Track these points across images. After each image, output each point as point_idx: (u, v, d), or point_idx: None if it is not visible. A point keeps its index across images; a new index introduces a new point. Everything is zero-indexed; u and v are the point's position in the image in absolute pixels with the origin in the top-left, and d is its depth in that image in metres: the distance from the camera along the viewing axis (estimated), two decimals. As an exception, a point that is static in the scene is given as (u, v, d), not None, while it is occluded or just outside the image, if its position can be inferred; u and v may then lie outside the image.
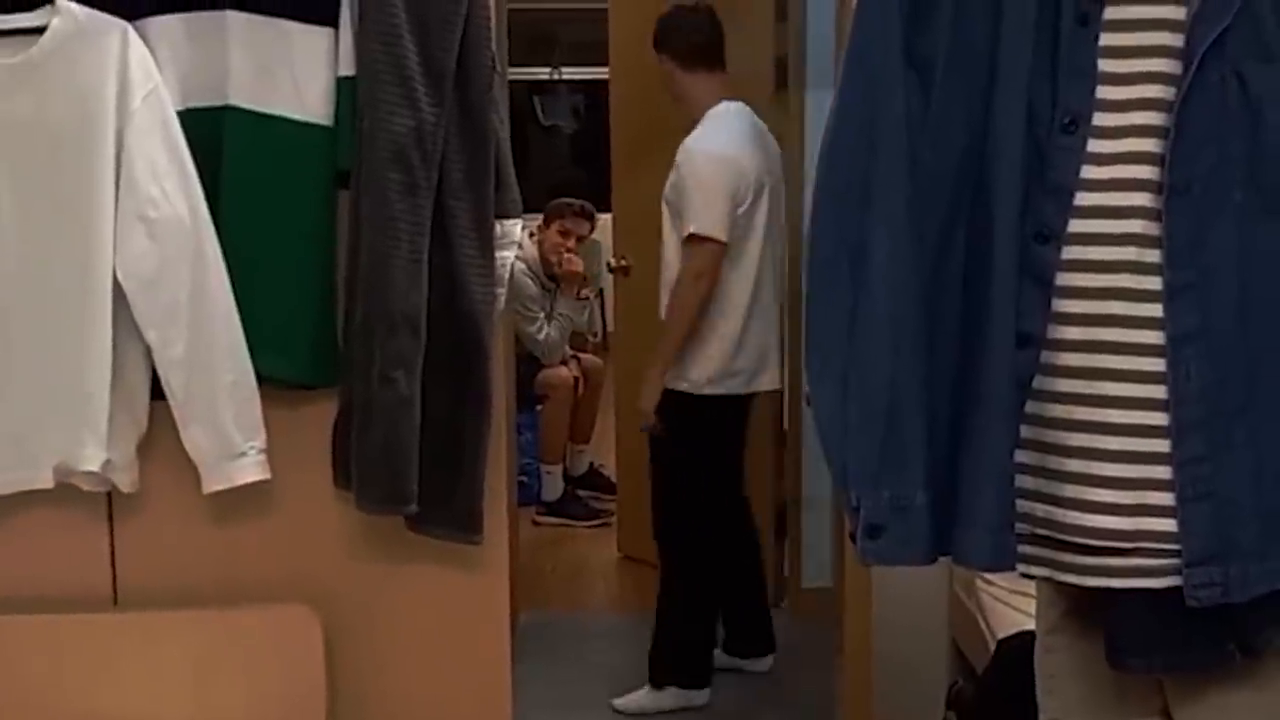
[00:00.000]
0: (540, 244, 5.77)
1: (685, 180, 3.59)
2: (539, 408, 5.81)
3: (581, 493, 5.89)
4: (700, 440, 3.73)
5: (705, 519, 3.80)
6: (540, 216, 5.84)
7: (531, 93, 7.84)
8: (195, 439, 2.08)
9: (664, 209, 3.71)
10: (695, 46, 3.74)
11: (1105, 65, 1.50)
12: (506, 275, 2.25)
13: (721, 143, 3.65)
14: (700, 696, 3.86)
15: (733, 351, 3.68)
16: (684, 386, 3.66)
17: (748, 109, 3.78)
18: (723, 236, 3.57)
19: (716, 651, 4.01)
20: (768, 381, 3.81)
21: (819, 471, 1.61)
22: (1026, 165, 1.50)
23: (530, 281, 5.67)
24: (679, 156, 3.64)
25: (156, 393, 2.09)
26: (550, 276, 5.77)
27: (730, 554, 3.93)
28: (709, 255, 3.58)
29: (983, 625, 2.96)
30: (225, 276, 2.07)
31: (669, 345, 3.63)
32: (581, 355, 6.16)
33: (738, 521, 3.96)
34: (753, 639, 4.06)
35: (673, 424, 3.67)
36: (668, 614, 3.84)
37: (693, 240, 3.57)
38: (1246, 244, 1.46)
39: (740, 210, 3.62)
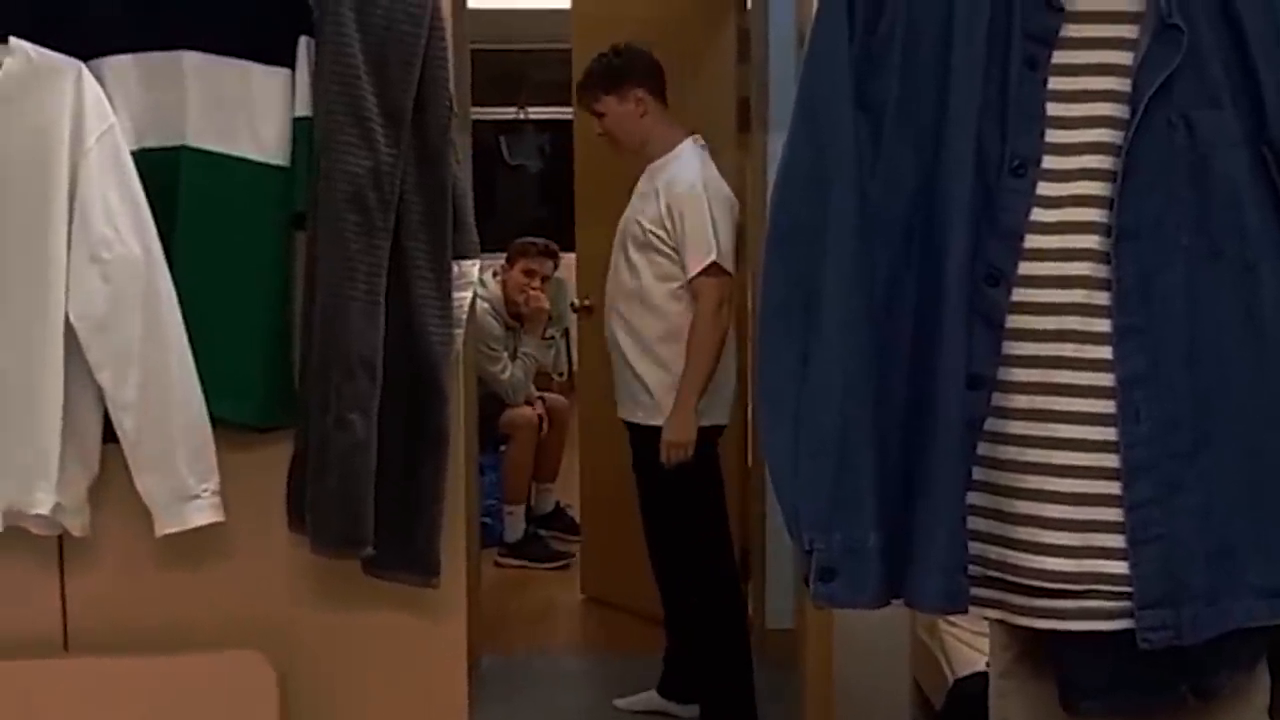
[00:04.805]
0: (504, 284, 5.77)
1: (697, 213, 3.58)
2: (502, 449, 5.79)
3: (544, 532, 5.88)
4: (710, 472, 3.72)
5: (726, 550, 3.81)
6: (505, 255, 5.85)
7: (498, 132, 7.86)
8: (148, 482, 2.06)
9: (629, 241, 3.69)
10: (659, 80, 3.75)
11: (1054, 109, 1.51)
12: (464, 316, 2.24)
13: (714, 177, 3.69)
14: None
15: (722, 380, 3.71)
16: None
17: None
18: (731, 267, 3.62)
19: (651, 693, 3.98)
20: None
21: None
22: (976, 208, 1.51)
23: (494, 321, 5.66)
24: (680, 188, 3.61)
25: (109, 435, 2.07)
26: (514, 316, 5.77)
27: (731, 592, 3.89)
28: (727, 286, 3.61)
29: (945, 667, 2.96)
30: (179, 318, 2.05)
31: (699, 380, 3.58)
32: (547, 395, 6.15)
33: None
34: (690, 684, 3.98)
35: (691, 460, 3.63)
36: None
37: (712, 271, 3.58)
38: (1194, 288, 1.48)
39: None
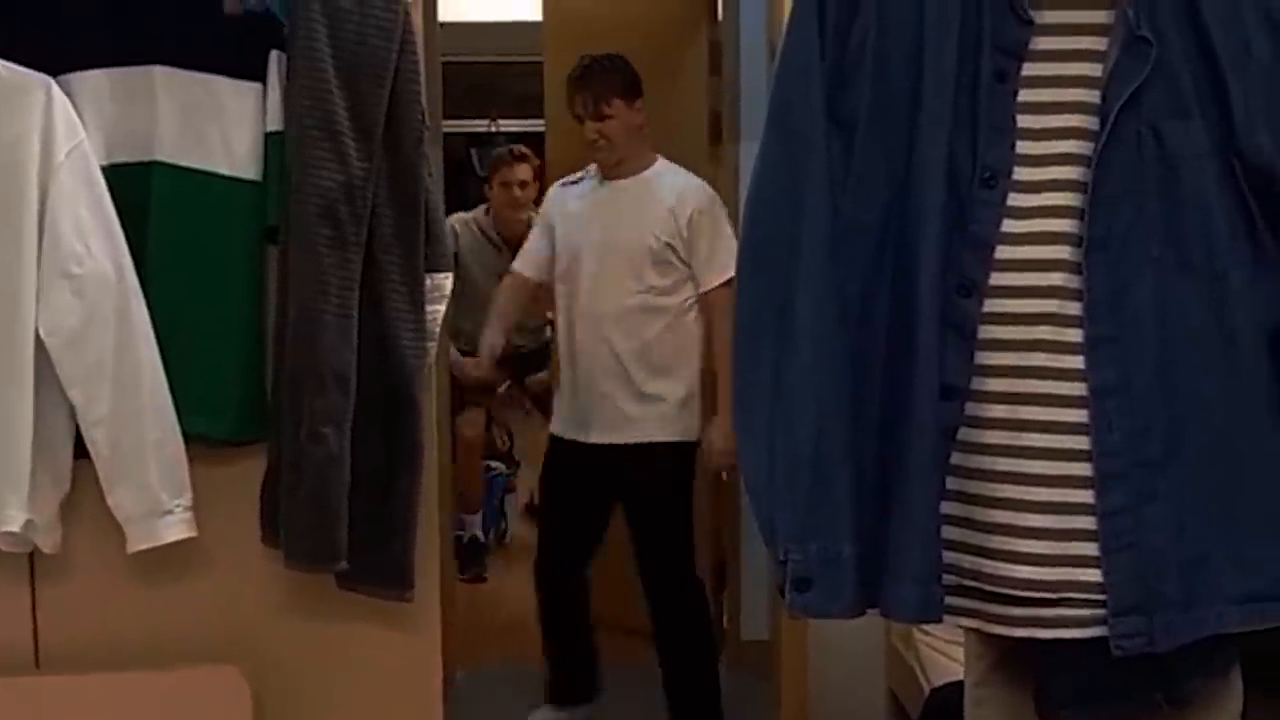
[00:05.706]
0: (490, 208, 5.56)
1: (717, 224, 3.59)
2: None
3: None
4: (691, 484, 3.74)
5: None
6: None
7: (469, 145, 7.85)
8: (120, 498, 2.05)
9: (640, 256, 3.62)
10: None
11: (1024, 121, 1.52)
12: (438, 329, 2.24)
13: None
14: None
15: None
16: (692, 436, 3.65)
17: None
18: None
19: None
20: None
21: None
22: (948, 219, 1.51)
23: (474, 260, 5.26)
24: (700, 200, 3.62)
25: (80, 451, 2.06)
26: (504, 239, 5.34)
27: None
28: None
29: (920, 676, 2.96)
30: (151, 333, 2.05)
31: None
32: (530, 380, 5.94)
33: None
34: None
35: (685, 474, 3.65)
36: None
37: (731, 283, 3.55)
38: (1165, 298, 1.49)
39: None
